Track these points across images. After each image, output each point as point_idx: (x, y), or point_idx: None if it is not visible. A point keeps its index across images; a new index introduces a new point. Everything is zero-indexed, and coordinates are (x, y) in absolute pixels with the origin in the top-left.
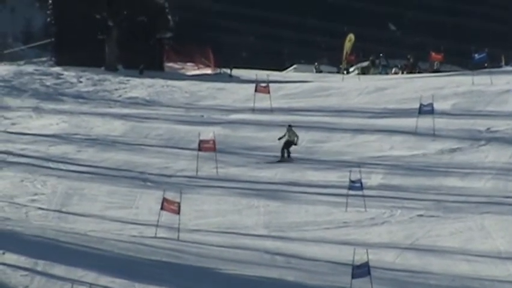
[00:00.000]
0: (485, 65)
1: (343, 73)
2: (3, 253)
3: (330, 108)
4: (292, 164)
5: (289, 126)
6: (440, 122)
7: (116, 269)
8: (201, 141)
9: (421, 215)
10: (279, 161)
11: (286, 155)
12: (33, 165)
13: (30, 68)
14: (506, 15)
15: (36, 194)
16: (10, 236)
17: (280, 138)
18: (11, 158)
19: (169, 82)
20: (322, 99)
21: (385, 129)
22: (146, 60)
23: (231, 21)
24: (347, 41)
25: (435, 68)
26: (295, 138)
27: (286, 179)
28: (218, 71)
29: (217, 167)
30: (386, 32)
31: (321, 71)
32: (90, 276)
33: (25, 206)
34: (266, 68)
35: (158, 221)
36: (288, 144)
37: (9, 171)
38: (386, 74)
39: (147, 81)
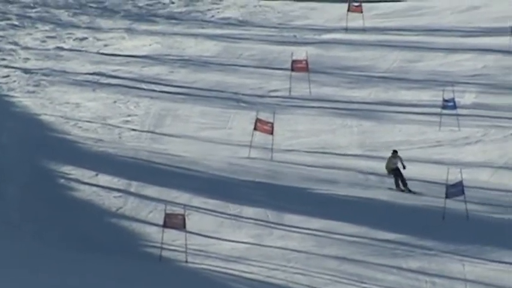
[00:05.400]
0: None
1: None
2: (97, 175)
3: (423, 27)
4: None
5: (394, 152)
6: None
7: (210, 190)
8: (293, 61)
9: None
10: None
11: (401, 185)
12: (126, 86)
13: None
14: None
15: (129, 115)
16: (103, 158)
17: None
18: (103, 80)
19: (262, 2)
20: (415, 18)
21: (478, 48)
22: None
23: None
24: None
25: None
26: (399, 162)
27: (380, 99)
28: None
29: (310, 87)
30: None
31: None
32: (183, 197)
33: (118, 127)
34: None
35: (251, 141)
36: (396, 172)
37: (102, 93)
38: None
39: (240, 1)
